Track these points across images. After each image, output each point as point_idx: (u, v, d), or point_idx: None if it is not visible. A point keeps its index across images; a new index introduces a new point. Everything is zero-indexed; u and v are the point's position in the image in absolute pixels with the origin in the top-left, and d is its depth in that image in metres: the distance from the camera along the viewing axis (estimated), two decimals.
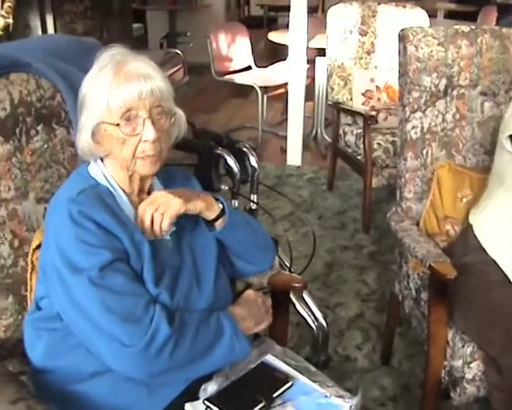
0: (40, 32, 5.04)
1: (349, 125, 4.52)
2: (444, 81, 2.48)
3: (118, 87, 1.52)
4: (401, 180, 2.53)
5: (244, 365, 1.63)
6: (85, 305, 1.46)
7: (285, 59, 6.07)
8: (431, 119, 2.50)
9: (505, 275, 2.15)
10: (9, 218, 1.79)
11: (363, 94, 4.49)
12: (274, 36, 6.40)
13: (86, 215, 1.48)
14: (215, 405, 1.51)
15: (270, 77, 6.16)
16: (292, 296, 2.33)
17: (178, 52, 6.17)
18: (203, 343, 1.52)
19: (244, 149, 2.37)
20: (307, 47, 5.34)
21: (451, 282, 2.04)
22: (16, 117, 1.79)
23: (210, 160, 2.23)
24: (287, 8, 5.53)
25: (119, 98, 1.52)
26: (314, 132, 5.91)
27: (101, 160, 1.63)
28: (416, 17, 4.44)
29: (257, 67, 6.40)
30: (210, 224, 1.70)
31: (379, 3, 4.61)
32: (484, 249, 2.23)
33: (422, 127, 2.49)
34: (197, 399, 1.54)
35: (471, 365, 2.06)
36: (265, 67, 6.46)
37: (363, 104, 4.47)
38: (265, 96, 6.18)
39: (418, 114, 2.49)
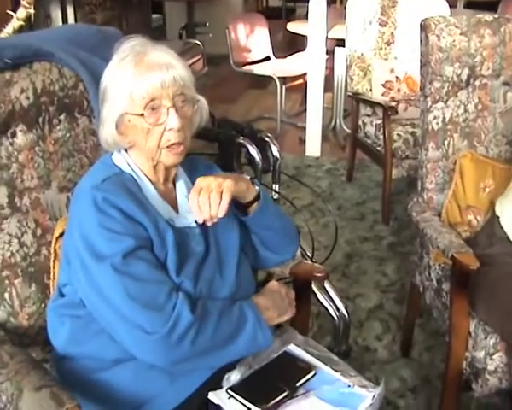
0: (61, 23, 5.07)
1: (368, 115, 4.50)
2: (466, 71, 2.47)
3: (140, 77, 1.52)
4: (422, 171, 2.52)
5: (267, 354, 1.63)
6: (108, 292, 1.46)
7: (304, 50, 6.05)
8: (453, 109, 2.49)
9: None
10: (32, 207, 1.80)
11: (382, 85, 4.46)
12: (293, 26, 6.38)
13: (110, 202, 1.49)
14: (238, 394, 1.51)
15: (288, 68, 6.14)
16: (313, 286, 2.32)
17: (198, 43, 6.16)
18: (225, 332, 1.52)
19: (266, 139, 2.36)
20: (326, 37, 5.32)
21: (474, 273, 2.03)
22: (39, 106, 1.80)
23: (231, 149, 2.24)
24: None
25: (143, 88, 1.52)
26: (333, 123, 5.89)
27: (125, 150, 1.63)
28: (436, 7, 4.40)
29: (275, 57, 6.39)
30: (245, 207, 1.70)
31: None
32: (510, 241, 2.21)
33: (444, 118, 2.48)
34: (220, 388, 1.54)
35: (493, 356, 2.05)
36: (284, 57, 6.45)
37: (382, 95, 4.44)
38: (284, 87, 6.15)
39: (440, 104, 2.47)
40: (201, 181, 1.56)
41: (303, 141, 5.56)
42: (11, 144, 1.75)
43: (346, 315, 2.49)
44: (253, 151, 2.26)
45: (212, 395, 1.52)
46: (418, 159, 2.58)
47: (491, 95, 2.52)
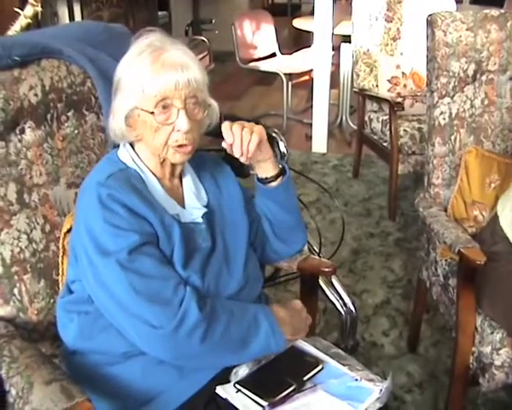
0: (67, 20, 5.09)
1: (375, 111, 4.51)
2: (472, 66, 2.47)
3: (155, 75, 1.52)
4: (429, 166, 2.53)
5: None
6: (114, 287, 1.47)
7: (309, 46, 6.06)
8: (459, 104, 2.49)
9: None
10: (41, 203, 1.80)
11: (388, 80, 4.46)
12: (299, 23, 6.38)
13: (115, 198, 1.49)
14: (246, 388, 1.52)
15: (294, 64, 6.15)
16: (320, 281, 2.33)
17: (204, 39, 6.18)
18: (235, 336, 1.52)
19: (273, 135, 2.37)
20: (332, 33, 5.32)
21: (480, 267, 2.03)
22: (47, 103, 1.81)
23: None
24: None
25: (156, 87, 1.52)
26: (339, 119, 5.89)
27: (131, 145, 1.64)
28: (442, 2, 4.40)
29: (281, 54, 6.39)
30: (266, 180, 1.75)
31: None
32: (509, 241, 2.22)
33: (451, 113, 2.48)
34: (228, 382, 1.55)
35: (500, 351, 2.05)
36: (290, 54, 6.45)
37: (388, 91, 4.45)
38: (290, 84, 6.16)
39: (446, 99, 2.48)
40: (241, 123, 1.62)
41: (309, 137, 5.57)
42: (20, 141, 1.76)
43: (354, 310, 2.50)
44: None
45: (219, 390, 1.53)
46: (425, 154, 2.59)
47: (497, 90, 2.52)
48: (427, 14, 2.50)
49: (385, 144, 4.26)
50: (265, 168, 1.74)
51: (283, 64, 6.11)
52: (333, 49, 5.46)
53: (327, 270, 1.94)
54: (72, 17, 5.18)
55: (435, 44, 2.43)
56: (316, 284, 2.03)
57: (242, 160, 1.63)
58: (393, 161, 4.08)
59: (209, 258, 1.62)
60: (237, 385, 1.53)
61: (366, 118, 4.56)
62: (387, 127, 4.13)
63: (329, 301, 2.56)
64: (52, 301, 1.80)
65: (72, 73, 1.86)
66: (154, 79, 1.52)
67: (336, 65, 5.78)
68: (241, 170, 1.78)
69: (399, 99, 4.24)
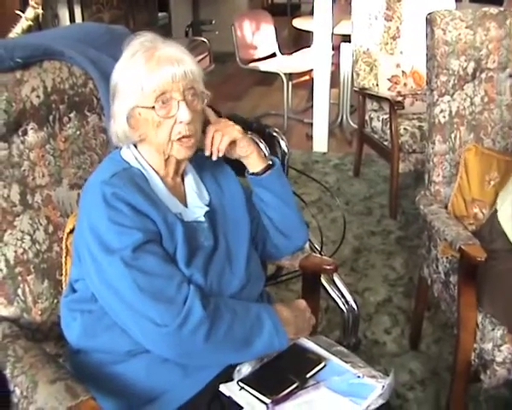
0: (68, 22, 5.10)
1: (375, 110, 4.51)
2: (472, 64, 2.48)
3: (151, 71, 1.54)
4: (429, 164, 2.54)
5: None
6: (118, 285, 1.48)
7: (309, 46, 6.06)
8: (459, 102, 2.50)
9: None
10: (44, 204, 1.81)
11: (389, 79, 4.47)
12: (298, 22, 6.39)
13: (119, 197, 1.50)
14: (249, 385, 1.53)
15: (295, 64, 6.15)
16: (322, 280, 2.34)
17: (204, 40, 6.18)
18: (239, 335, 1.53)
19: (274, 134, 2.38)
20: (332, 33, 5.33)
21: (481, 264, 2.04)
22: (49, 104, 1.82)
23: None
24: None
25: (154, 82, 1.53)
26: (340, 119, 5.90)
27: (135, 145, 1.65)
28: (442, 1, 4.41)
29: (281, 54, 6.40)
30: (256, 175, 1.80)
31: None
32: (506, 235, 2.23)
33: (450, 111, 2.49)
34: (231, 380, 1.56)
35: (501, 348, 2.06)
36: (290, 54, 6.46)
37: (389, 90, 4.45)
38: (290, 84, 6.17)
39: (446, 97, 2.48)
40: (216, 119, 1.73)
41: (310, 137, 5.58)
42: (22, 143, 1.77)
43: (356, 308, 2.50)
44: (262, 147, 2.28)
45: (223, 388, 1.54)
46: (425, 152, 2.60)
47: (497, 87, 2.53)
48: (426, 13, 2.50)
49: (385, 143, 4.27)
50: (251, 164, 1.79)
51: (283, 64, 6.11)
52: (333, 49, 5.47)
53: (329, 268, 1.95)
54: (72, 19, 5.19)
55: (435, 43, 2.44)
56: (318, 282, 2.04)
57: (213, 158, 1.72)
58: (394, 160, 4.09)
59: (211, 256, 1.63)
60: (240, 383, 1.54)
61: (366, 117, 4.57)
62: (388, 126, 4.14)
63: (331, 300, 2.56)
64: (56, 301, 1.81)
65: (74, 74, 1.87)
66: (152, 76, 1.54)
67: (336, 64, 5.78)
68: (241, 169, 1.79)
69: (399, 98, 4.25)
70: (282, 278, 3.10)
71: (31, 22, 2.70)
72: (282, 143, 2.38)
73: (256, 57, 6.20)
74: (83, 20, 5.25)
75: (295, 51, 6.50)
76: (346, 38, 5.11)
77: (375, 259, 3.73)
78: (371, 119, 4.49)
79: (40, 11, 2.72)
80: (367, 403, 1.51)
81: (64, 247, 1.79)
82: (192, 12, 8.84)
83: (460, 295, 2.17)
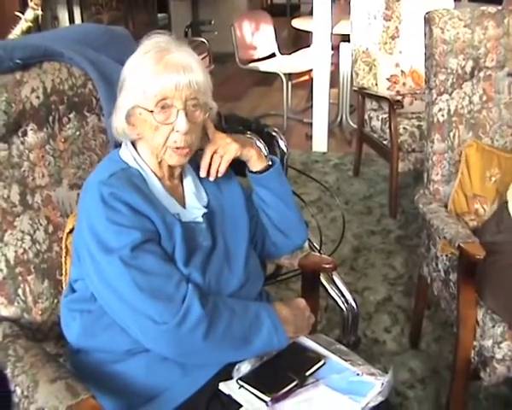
0: (68, 23, 5.11)
1: (374, 110, 4.52)
2: (470, 63, 2.49)
3: (156, 75, 1.54)
4: (428, 163, 2.54)
5: None
6: (117, 284, 1.49)
7: (309, 46, 6.07)
8: (457, 101, 2.50)
9: None
10: (44, 204, 1.82)
11: (388, 79, 4.47)
12: (298, 23, 6.40)
13: (117, 197, 1.51)
14: (249, 384, 1.53)
15: (294, 64, 6.16)
16: (322, 278, 2.34)
17: (204, 41, 6.19)
18: (238, 333, 1.54)
19: (273, 134, 2.38)
20: (331, 33, 5.34)
21: (480, 262, 2.04)
22: (49, 105, 1.82)
23: None
24: None
25: (156, 86, 1.54)
26: (339, 119, 5.90)
27: (133, 144, 1.66)
28: (440, 0, 4.41)
29: (281, 54, 6.40)
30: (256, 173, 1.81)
31: None
32: None
33: (449, 110, 2.50)
34: (231, 378, 1.56)
35: (501, 345, 2.06)
36: (289, 54, 6.46)
37: (388, 89, 4.45)
38: (290, 84, 6.18)
39: (445, 96, 2.49)
40: (211, 136, 1.72)
41: (309, 137, 5.58)
42: (22, 143, 1.78)
43: (355, 306, 2.51)
44: (261, 146, 2.28)
45: (222, 386, 1.55)
46: (424, 151, 2.60)
47: (495, 86, 2.53)
48: (425, 12, 2.51)
49: (385, 142, 4.28)
50: (251, 164, 1.80)
51: (283, 64, 6.12)
52: (332, 49, 5.47)
53: (328, 266, 1.95)
54: (72, 20, 5.20)
55: (433, 42, 2.45)
56: (317, 281, 2.05)
57: (211, 179, 1.73)
58: (393, 159, 4.09)
59: (210, 256, 1.64)
60: (240, 381, 1.54)
61: (366, 116, 4.57)
62: (387, 125, 4.15)
63: (331, 299, 2.57)
64: (56, 301, 1.82)
65: (74, 75, 1.88)
66: (156, 79, 1.54)
67: (336, 64, 5.79)
68: (241, 169, 1.80)
69: (399, 97, 4.25)
70: (282, 277, 3.11)
71: (30, 23, 2.71)
72: (281, 143, 2.39)
73: (255, 57, 6.20)
74: (82, 21, 5.27)
75: (295, 51, 6.50)
76: (346, 38, 5.12)
77: (374, 258, 3.73)
78: (370, 118, 4.50)
79: (39, 12, 2.72)
80: (366, 401, 1.51)
81: (64, 247, 1.79)
82: (191, 12, 8.84)
83: (459, 292, 2.17)
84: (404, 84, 4.46)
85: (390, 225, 4.14)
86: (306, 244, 2.04)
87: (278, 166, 1.84)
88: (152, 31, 1.64)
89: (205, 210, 1.69)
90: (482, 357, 2.12)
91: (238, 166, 1.80)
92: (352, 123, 5.74)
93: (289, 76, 6.13)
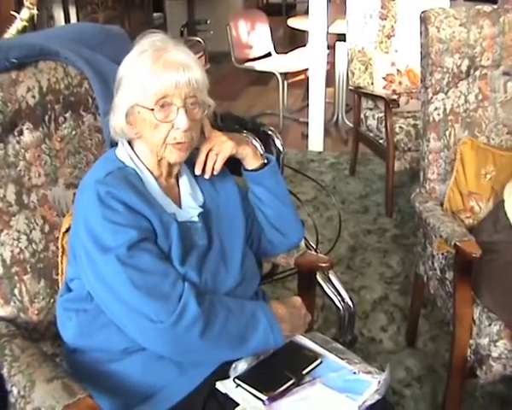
0: (63, 23, 5.11)
1: (370, 109, 4.53)
2: (466, 62, 2.49)
3: (156, 74, 1.54)
4: (424, 162, 2.55)
5: None
6: (113, 283, 1.49)
7: (304, 45, 6.07)
8: (453, 100, 2.51)
9: None
10: (40, 203, 1.82)
11: (384, 78, 4.48)
12: (294, 22, 6.39)
13: (114, 196, 1.51)
14: (245, 382, 1.53)
15: (290, 63, 6.16)
16: (318, 277, 2.34)
17: (199, 40, 6.18)
18: (234, 331, 1.54)
19: (269, 133, 2.38)
20: (327, 32, 5.34)
21: (476, 260, 2.05)
22: (45, 105, 1.82)
23: None
24: None
25: (156, 85, 1.54)
26: (335, 118, 5.91)
27: (129, 143, 1.66)
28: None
29: (277, 53, 6.40)
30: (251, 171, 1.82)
31: None
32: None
33: (445, 108, 2.50)
34: (228, 377, 1.56)
35: (497, 343, 2.07)
36: (285, 53, 6.46)
37: (384, 88, 4.46)
38: (286, 83, 6.18)
39: (440, 95, 2.49)
40: (207, 133, 1.73)
41: (305, 136, 5.59)
42: (18, 143, 1.78)
43: (351, 305, 2.51)
44: (257, 145, 2.28)
45: (219, 385, 1.54)
46: (420, 150, 2.61)
47: (491, 85, 2.53)
48: (420, 11, 2.51)
49: (381, 141, 4.28)
50: (247, 162, 1.81)
51: (279, 63, 6.12)
52: (328, 48, 5.48)
53: (324, 265, 1.96)
54: (67, 20, 5.21)
55: (429, 41, 2.45)
56: (313, 279, 2.05)
57: (206, 177, 1.73)
58: (389, 158, 4.10)
59: (206, 255, 1.64)
60: (237, 380, 1.54)
61: (362, 115, 4.58)
62: (383, 124, 4.16)
63: (327, 297, 2.57)
64: (52, 300, 1.82)
65: (69, 74, 1.88)
66: (155, 78, 1.54)
67: (331, 63, 5.80)
68: (237, 168, 1.81)
69: (394, 96, 4.26)
70: (278, 276, 3.10)
71: (26, 23, 2.70)
72: (277, 142, 2.39)
73: (251, 57, 6.21)
74: (78, 20, 5.27)
75: (290, 51, 6.51)
76: (342, 37, 5.13)
77: (371, 257, 3.74)
78: (366, 117, 4.51)
79: (35, 12, 2.72)
80: (363, 399, 1.51)
81: (60, 246, 1.79)
82: (187, 12, 8.85)
83: (456, 291, 2.17)
84: (399, 83, 4.46)
85: (386, 224, 4.15)
86: (303, 243, 2.04)
87: (274, 165, 1.84)
88: (147, 30, 1.64)
89: (200, 210, 1.69)
90: (478, 355, 2.12)
91: (234, 165, 1.80)
92: (347, 122, 5.75)
93: (285, 75, 6.13)
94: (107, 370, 1.59)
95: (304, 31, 5.96)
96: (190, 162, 1.73)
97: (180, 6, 8.72)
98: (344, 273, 3.50)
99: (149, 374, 1.57)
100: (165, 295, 1.48)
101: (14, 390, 1.49)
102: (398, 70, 4.47)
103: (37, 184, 1.82)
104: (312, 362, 1.62)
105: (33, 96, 1.78)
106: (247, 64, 6.12)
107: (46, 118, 1.84)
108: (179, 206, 1.67)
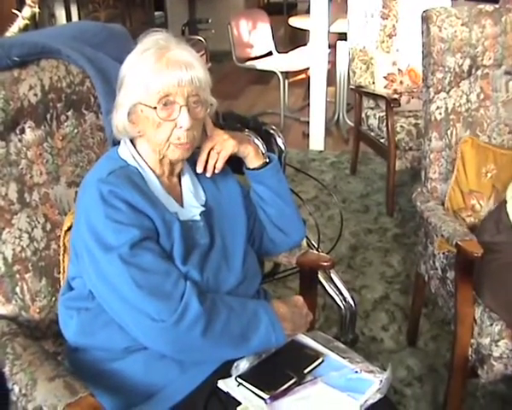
0: (65, 21, 5.11)
1: (371, 108, 4.53)
2: (468, 61, 2.49)
3: (159, 72, 1.54)
4: (426, 161, 2.54)
5: None
6: (116, 282, 1.49)
7: (305, 44, 6.07)
8: (455, 99, 2.51)
9: None
10: (42, 202, 1.82)
11: (385, 77, 4.48)
12: (295, 21, 6.40)
13: (116, 195, 1.51)
14: (247, 381, 1.53)
15: (291, 62, 6.16)
16: (320, 277, 2.34)
17: (201, 39, 6.18)
18: (236, 331, 1.54)
19: (271, 132, 2.39)
20: (328, 31, 5.34)
21: (478, 260, 2.05)
22: (47, 103, 1.82)
23: None
24: None
25: (159, 83, 1.54)
26: (336, 117, 5.91)
27: (132, 142, 1.66)
28: None
29: (278, 52, 6.40)
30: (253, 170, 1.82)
31: None
32: None
33: (447, 108, 2.50)
34: (229, 376, 1.56)
35: (499, 343, 2.06)
36: (286, 52, 6.46)
37: (385, 87, 4.46)
38: (287, 82, 6.18)
39: (442, 94, 2.49)
40: (209, 132, 1.73)
41: (306, 135, 5.58)
42: (20, 141, 1.78)
43: (353, 305, 2.51)
44: (259, 144, 2.28)
45: (221, 383, 1.55)
46: (421, 149, 2.61)
47: (493, 84, 2.53)
48: (422, 11, 2.51)
49: (382, 141, 4.28)
50: (249, 161, 1.81)
51: (280, 63, 6.12)
52: (329, 47, 5.47)
53: (325, 264, 1.96)
54: (69, 18, 5.21)
55: (430, 40, 2.45)
56: (315, 278, 2.05)
57: (208, 175, 1.73)
58: (391, 158, 4.10)
59: (208, 254, 1.64)
60: (238, 379, 1.54)
61: (363, 115, 4.58)
62: (384, 124, 4.16)
63: (329, 297, 2.57)
64: (54, 299, 1.81)
65: (71, 72, 1.87)
66: (158, 77, 1.54)
67: (332, 63, 5.80)
68: (239, 166, 1.81)
69: (396, 95, 4.26)
70: (280, 275, 3.11)
71: (27, 21, 2.70)
72: (279, 141, 2.39)
73: (252, 56, 6.21)
74: (79, 18, 5.27)
75: (292, 50, 6.51)
76: (343, 37, 5.13)
77: (371, 256, 3.73)
78: (368, 117, 4.51)
79: (37, 10, 2.72)
80: (365, 398, 1.51)
81: (62, 245, 1.79)
82: (188, 11, 8.85)
83: (457, 290, 2.17)
84: (401, 82, 4.46)
85: (387, 224, 4.15)
86: (304, 242, 2.04)
87: (276, 163, 1.84)
88: (149, 29, 1.64)
89: (202, 208, 1.69)
90: (480, 355, 2.12)
91: (236, 164, 1.80)
92: (348, 121, 5.75)
93: (286, 74, 6.14)
94: (109, 368, 1.59)
95: (305, 30, 5.96)
96: (192, 161, 1.73)
97: (181, 5, 8.72)
98: (345, 272, 3.50)
99: (151, 373, 1.56)
100: (167, 295, 1.48)
101: (16, 389, 1.49)
102: (399, 69, 4.47)
103: (38, 183, 1.82)
104: (314, 361, 1.62)
105: (35, 95, 1.78)
106: (248, 63, 6.11)
107: (48, 116, 1.83)
108: (181, 205, 1.67)
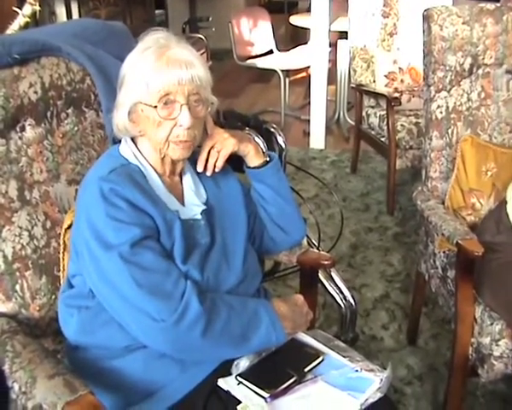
0: (65, 19, 5.11)
1: (372, 107, 4.53)
2: (469, 60, 2.49)
3: (159, 71, 1.54)
4: (426, 160, 2.54)
5: None
6: (116, 280, 1.48)
7: (306, 43, 6.06)
8: (456, 98, 2.50)
9: None
10: (42, 200, 1.82)
11: (385, 76, 4.48)
12: (295, 19, 6.40)
13: (117, 193, 1.51)
14: (247, 380, 1.53)
15: (292, 61, 6.16)
16: (320, 275, 2.34)
17: (201, 37, 6.18)
18: (236, 330, 1.53)
19: (272, 130, 2.38)
20: (329, 30, 5.34)
21: (478, 258, 2.05)
22: (47, 100, 1.82)
23: None
24: None
25: (159, 82, 1.54)
26: (336, 115, 5.91)
27: (133, 140, 1.66)
28: None
29: (278, 51, 6.40)
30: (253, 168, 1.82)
31: None
32: None
33: (447, 107, 2.50)
34: (229, 375, 1.56)
35: (499, 342, 2.06)
36: (287, 51, 6.46)
37: (386, 86, 4.46)
38: (287, 80, 6.17)
39: (443, 93, 2.49)
40: (210, 131, 1.72)
41: (307, 134, 5.58)
42: (20, 138, 1.77)
43: (353, 303, 2.51)
44: (259, 142, 2.28)
45: (221, 382, 1.54)
46: (422, 148, 2.60)
47: (494, 83, 2.53)
48: (423, 9, 2.51)
49: (382, 139, 4.28)
50: (249, 160, 1.80)
51: (280, 61, 6.12)
52: (330, 46, 5.47)
53: (326, 262, 1.95)
54: (69, 16, 5.21)
55: (431, 39, 2.44)
56: (315, 277, 2.05)
57: (208, 174, 1.73)
58: (391, 156, 4.10)
59: (208, 253, 1.64)
60: (239, 377, 1.54)
61: (363, 113, 4.58)
62: (385, 122, 4.15)
63: (329, 295, 2.57)
64: (54, 297, 1.81)
65: (72, 70, 1.87)
66: (158, 75, 1.54)
67: (333, 61, 5.80)
68: (239, 165, 1.81)
69: (396, 94, 4.26)
70: (280, 274, 3.11)
71: (28, 19, 2.70)
72: (280, 139, 2.39)
73: (253, 54, 6.21)
74: (80, 16, 5.28)
75: (292, 48, 6.51)
76: (343, 35, 5.13)
77: (372, 255, 3.73)
78: (368, 115, 4.51)
79: (37, 8, 2.72)
80: (365, 397, 1.51)
81: (62, 243, 1.79)
82: (189, 9, 8.85)
83: (457, 289, 2.17)
84: (401, 81, 4.46)
85: (387, 222, 4.15)
86: (305, 241, 2.04)
87: (276, 162, 1.84)
88: (149, 27, 1.64)
89: (203, 207, 1.69)
90: (480, 354, 2.12)
91: (236, 163, 1.80)
92: (349, 120, 5.75)
93: (287, 73, 6.14)
94: (109, 367, 1.59)
95: (306, 28, 5.96)
96: (193, 160, 1.73)
97: (182, 3, 8.72)
98: (345, 271, 3.50)
99: (151, 372, 1.56)
100: (167, 294, 1.48)
101: (16, 386, 1.49)
102: (400, 68, 4.47)
103: (39, 181, 1.81)
104: (314, 360, 1.62)
105: (35, 92, 1.78)
106: (249, 61, 6.11)
107: (48, 114, 1.83)
108: (182, 203, 1.67)
